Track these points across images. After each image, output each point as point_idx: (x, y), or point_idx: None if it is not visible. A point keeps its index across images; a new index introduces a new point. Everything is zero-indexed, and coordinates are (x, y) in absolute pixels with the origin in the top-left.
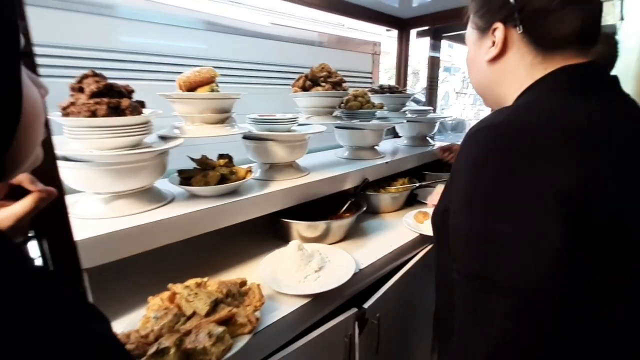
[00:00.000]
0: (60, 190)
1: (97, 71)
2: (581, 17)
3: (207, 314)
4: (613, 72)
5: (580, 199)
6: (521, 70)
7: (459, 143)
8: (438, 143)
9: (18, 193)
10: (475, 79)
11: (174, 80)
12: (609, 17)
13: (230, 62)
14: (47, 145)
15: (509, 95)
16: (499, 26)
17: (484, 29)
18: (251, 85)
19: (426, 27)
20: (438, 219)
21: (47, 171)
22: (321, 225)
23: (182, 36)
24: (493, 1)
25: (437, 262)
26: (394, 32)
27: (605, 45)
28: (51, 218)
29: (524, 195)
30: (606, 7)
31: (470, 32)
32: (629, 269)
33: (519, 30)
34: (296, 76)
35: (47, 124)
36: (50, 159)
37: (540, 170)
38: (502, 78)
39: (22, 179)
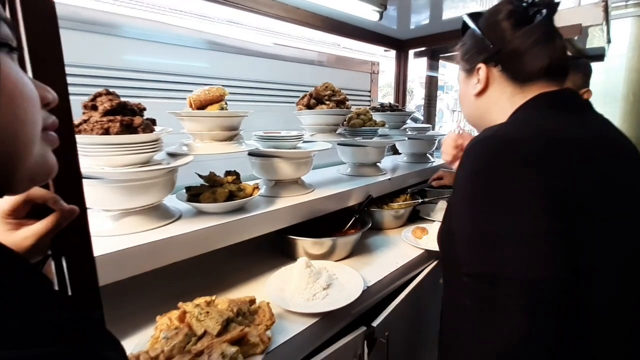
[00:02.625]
0: (83, 208)
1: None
2: (549, 55)
3: (219, 334)
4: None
5: (567, 197)
6: (504, 99)
7: (449, 170)
8: (438, 160)
9: (40, 211)
10: (466, 112)
11: (180, 98)
12: (596, 40)
13: (234, 80)
14: (72, 161)
15: (498, 119)
16: (482, 66)
17: (470, 70)
18: (254, 103)
19: (423, 48)
20: (443, 237)
21: (71, 188)
22: (327, 242)
23: (187, 55)
24: (475, 46)
25: (445, 278)
26: (389, 52)
27: (582, 76)
28: (72, 236)
29: (520, 196)
30: (594, 30)
31: (459, 73)
32: (618, 257)
33: (498, 69)
34: (298, 94)
35: (73, 140)
36: (74, 175)
37: (532, 173)
38: (489, 108)
39: (47, 197)
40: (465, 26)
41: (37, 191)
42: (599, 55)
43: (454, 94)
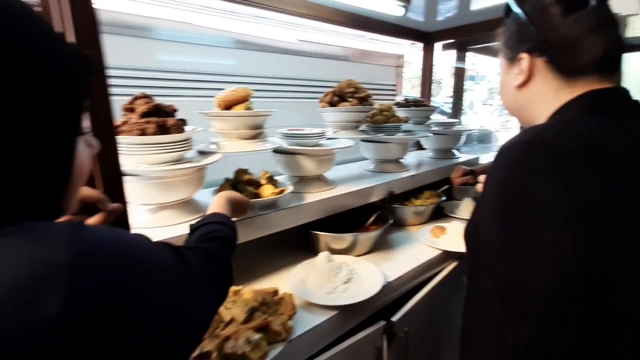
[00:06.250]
0: (125, 205)
1: (141, 90)
2: (602, 46)
3: (245, 321)
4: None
5: (605, 212)
6: (548, 94)
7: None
8: (464, 155)
9: (89, 208)
10: (506, 102)
11: (208, 97)
12: (638, 29)
13: (259, 77)
14: (115, 164)
15: (540, 115)
16: (524, 56)
17: (512, 58)
18: (279, 99)
19: (452, 40)
20: (469, 233)
21: (116, 187)
22: (349, 237)
23: (214, 55)
24: (519, 33)
25: (469, 275)
26: (418, 43)
27: None
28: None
29: (551, 207)
30: (635, 19)
31: (501, 60)
32: None
33: (544, 59)
34: (321, 90)
35: (114, 144)
36: (118, 176)
37: (567, 184)
38: (530, 101)
39: (96, 198)
40: (508, 9)
41: (88, 192)
42: (639, 45)
43: (487, 84)
